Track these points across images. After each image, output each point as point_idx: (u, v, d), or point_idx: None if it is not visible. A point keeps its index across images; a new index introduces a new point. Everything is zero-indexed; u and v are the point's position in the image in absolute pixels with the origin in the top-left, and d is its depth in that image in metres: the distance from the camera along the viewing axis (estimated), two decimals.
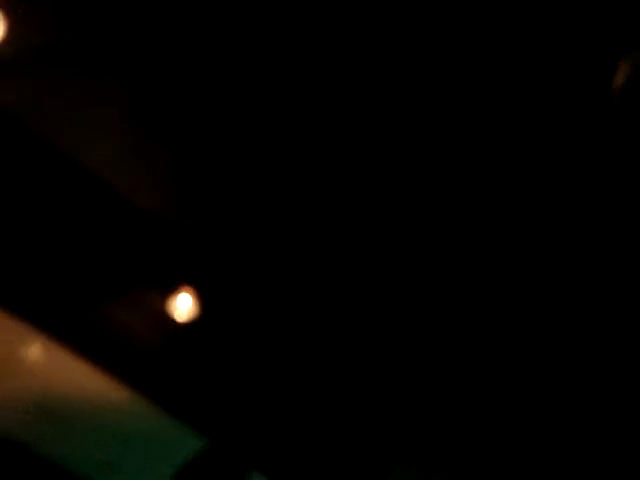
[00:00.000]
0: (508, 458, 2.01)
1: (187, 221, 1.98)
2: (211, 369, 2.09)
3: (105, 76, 1.79)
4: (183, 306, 2.03)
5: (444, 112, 1.85)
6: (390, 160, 1.94)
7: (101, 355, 1.99)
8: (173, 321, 2.03)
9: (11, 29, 1.65)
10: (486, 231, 1.97)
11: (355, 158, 1.94)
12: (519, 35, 1.72)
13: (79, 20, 1.73)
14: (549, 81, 1.77)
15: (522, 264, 1.97)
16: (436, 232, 2.00)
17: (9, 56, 1.69)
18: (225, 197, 1.97)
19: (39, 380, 1.97)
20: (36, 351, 1.97)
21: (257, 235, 2.01)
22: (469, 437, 2.05)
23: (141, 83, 1.82)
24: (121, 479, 1.96)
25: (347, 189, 1.96)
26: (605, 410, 1.93)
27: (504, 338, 2.03)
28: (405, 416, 2.11)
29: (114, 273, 1.98)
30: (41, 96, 1.77)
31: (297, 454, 2.14)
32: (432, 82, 1.82)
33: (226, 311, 2.08)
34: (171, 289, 2.02)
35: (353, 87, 1.85)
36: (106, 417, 2.02)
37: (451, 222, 1.98)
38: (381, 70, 1.82)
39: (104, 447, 2.01)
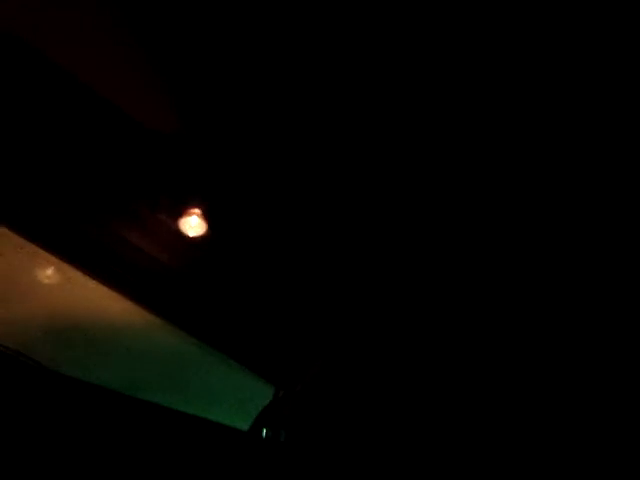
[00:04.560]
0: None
1: (195, 140, 1.98)
2: (221, 287, 2.14)
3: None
4: (193, 225, 2.06)
5: (443, 112, 1.84)
6: (390, 160, 1.93)
7: (116, 277, 2.07)
8: (184, 241, 2.07)
9: None
10: (486, 231, 1.97)
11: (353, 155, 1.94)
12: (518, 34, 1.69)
13: None
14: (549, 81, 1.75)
15: (522, 264, 1.97)
16: (436, 232, 2.01)
17: None
18: (233, 118, 1.96)
19: (57, 303, 2.04)
20: (53, 275, 2.05)
21: (264, 153, 2.01)
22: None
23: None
24: (144, 395, 1.96)
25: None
26: (605, 410, 1.91)
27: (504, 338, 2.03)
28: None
29: (125, 194, 2.02)
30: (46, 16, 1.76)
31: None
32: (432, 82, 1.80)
33: (235, 228, 2.11)
34: (181, 209, 2.05)
35: (353, 87, 1.84)
36: (126, 337, 2.11)
37: (451, 222, 1.99)
38: (381, 70, 1.80)
39: (125, 366, 2.08)
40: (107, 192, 1.99)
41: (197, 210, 2.03)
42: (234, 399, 2.27)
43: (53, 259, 2.00)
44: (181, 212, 2.03)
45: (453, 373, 2.06)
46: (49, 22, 1.76)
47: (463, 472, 1.97)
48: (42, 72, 1.82)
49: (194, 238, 2.06)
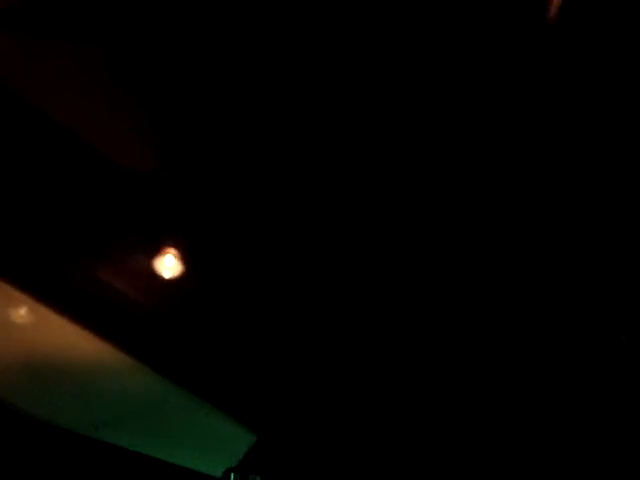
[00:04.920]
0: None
1: (171, 178, 1.96)
2: (199, 329, 2.09)
3: (85, 35, 1.77)
4: (170, 265, 2.02)
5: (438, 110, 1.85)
6: (390, 160, 1.93)
7: (90, 317, 2.01)
8: (159, 281, 2.03)
9: None
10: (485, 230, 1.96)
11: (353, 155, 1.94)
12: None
13: None
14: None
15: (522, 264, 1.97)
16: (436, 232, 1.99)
17: None
18: (211, 154, 1.94)
19: (27, 342, 2.01)
20: (24, 314, 2.00)
21: (244, 189, 1.98)
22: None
23: (121, 41, 1.79)
24: (118, 436, 2.00)
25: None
26: (605, 410, 1.92)
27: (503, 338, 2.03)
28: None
29: (100, 234, 1.98)
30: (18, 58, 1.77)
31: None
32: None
33: (212, 268, 2.08)
34: (157, 248, 2.01)
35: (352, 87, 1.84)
36: (98, 378, 2.06)
37: (451, 222, 1.98)
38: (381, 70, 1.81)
39: (98, 408, 2.04)
40: (81, 231, 1.95)
41: (173, 250, 2.01)
42: (208, 443, 2.20)
43: (25, 298, 1.95)
44: (157, 252, 2.00)
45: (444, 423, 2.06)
46: (30, 67, 1.74)
47: None
48: (22, 117, 1.79)
49: (170, 278, 2.03)
